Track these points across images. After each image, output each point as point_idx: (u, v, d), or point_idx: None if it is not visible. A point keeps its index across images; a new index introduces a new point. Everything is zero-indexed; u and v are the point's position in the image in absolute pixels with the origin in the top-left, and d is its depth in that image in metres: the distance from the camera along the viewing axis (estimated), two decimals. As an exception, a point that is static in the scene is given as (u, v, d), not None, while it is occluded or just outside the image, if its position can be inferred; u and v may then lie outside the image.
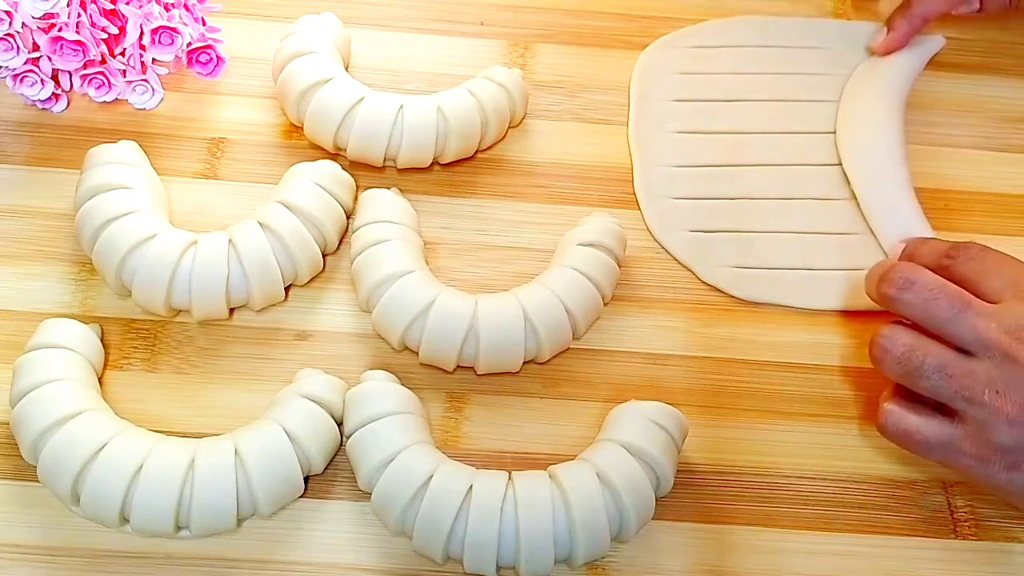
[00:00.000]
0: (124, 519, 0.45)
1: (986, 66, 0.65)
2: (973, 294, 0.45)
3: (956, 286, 0.45)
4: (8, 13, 0.54)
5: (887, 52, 0.63)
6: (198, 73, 0.60)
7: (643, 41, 0.65)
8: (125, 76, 0.59)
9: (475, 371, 0.52)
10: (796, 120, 0.62)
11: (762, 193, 0.59)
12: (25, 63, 0.56)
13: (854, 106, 0.62)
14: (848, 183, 0.59)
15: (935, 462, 0.46)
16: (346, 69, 0.60)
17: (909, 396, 0.46)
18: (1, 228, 0.55)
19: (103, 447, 0.45)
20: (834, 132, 0.61)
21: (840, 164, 0.60)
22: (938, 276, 0.46)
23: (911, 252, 0.50)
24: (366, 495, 0.47)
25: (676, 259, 0.57)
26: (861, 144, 0.60)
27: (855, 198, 0.59)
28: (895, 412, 0.46)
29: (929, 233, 0.56)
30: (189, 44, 0.58)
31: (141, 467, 0.44)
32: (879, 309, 0.47)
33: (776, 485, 0.51)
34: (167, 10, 0.58)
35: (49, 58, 0.56)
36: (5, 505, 0.47)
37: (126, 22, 0.57)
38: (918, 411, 0.45)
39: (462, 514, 0.45)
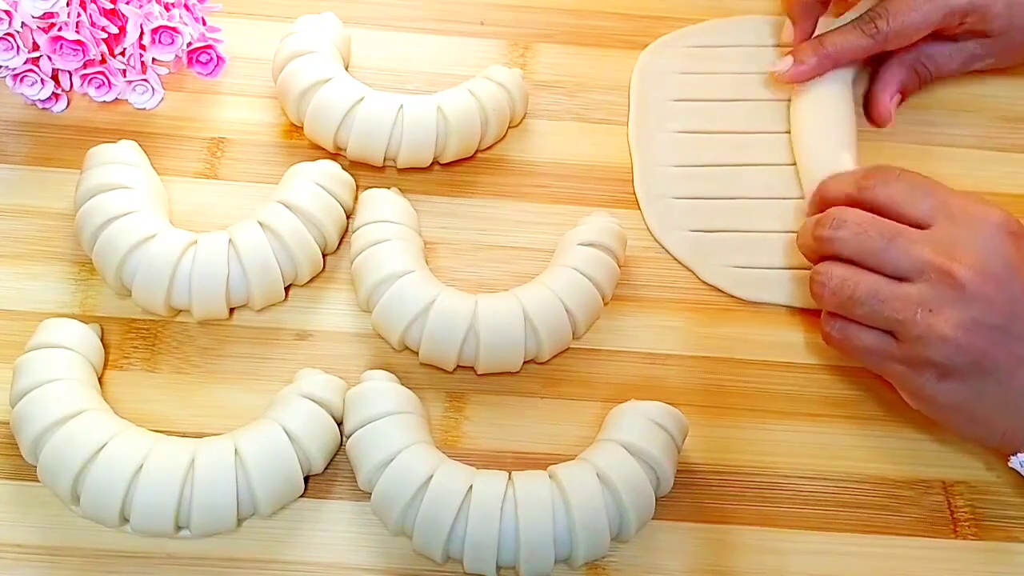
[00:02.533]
0: (124, 519, 0.45)
1: (986, 66, 0.65)
2: (899, 218, 0.47)
3: (884, 218, 0.47)
4: (8, 13, 0.54)
5: (792, 82, 0.60)
6: (198, 73, 0.60)
7: (643, 41, 0.65)
8: (125, 76, 0.59)
9: (475, 371, 0.52)
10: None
11: (762, 193, 0.59)
12: (25, 63, 0.56)
13: (800, 107, 0.61)
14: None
15: (872, 370, 0.49)
16: (346, 69, 0.60)
17: None
18: (1, 228, 0.55)
19: (103, 447, 0.45)
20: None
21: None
22: (866, 212, 0.47)
23: (824, 189, 0.51)
24: (366, 495, 0.47)
25: (676, 259, 0.57)
26: (804, 151, 0.59)
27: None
28: (838, 322, 0.48)
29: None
30: (189, 44, 0.58)
31: (141, 467, 0.44)
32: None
33: (776, 485, 0.51)
34: (167, 10, 0.58)
35: (49, 58, 0.56)
36: (5, 505, 0.47)
37: (126, 22, 0.57)
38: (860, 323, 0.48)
39: (462, 514, 0.45)
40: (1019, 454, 0.46)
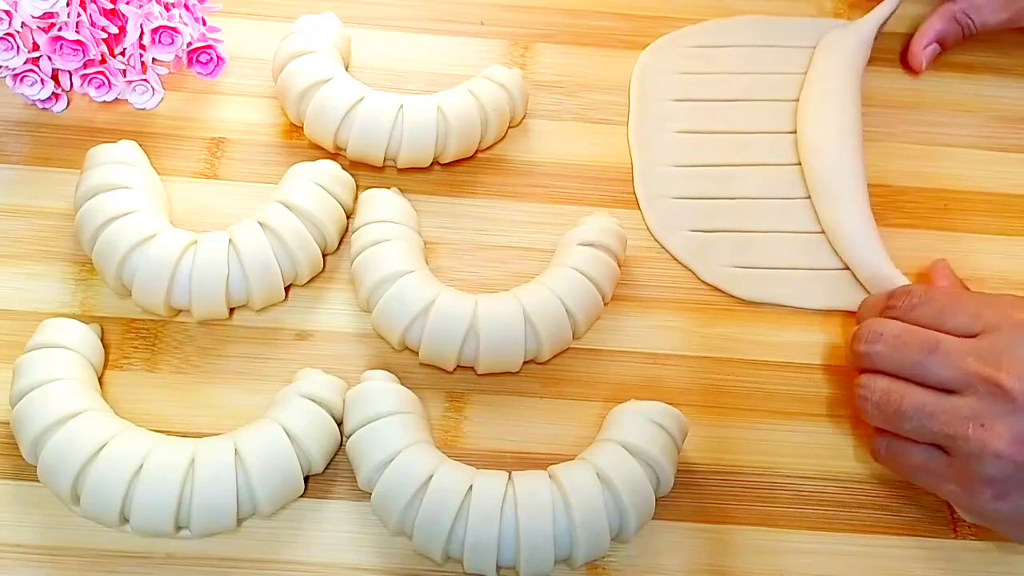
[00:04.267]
0: (124, 519, 0.45)
1: (986, 66, 0.65)
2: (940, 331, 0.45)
3: (923, 329, 0.45)
4: (8, 13, 0.54)
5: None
6: (198, 73, 0.60)
7: (643, 41, 0.65)
8: (125, 76, 0.59)
9: (475, 371, 0.52)
10: (795, 120, 0.62)
11: (762, 193, 0.59)
12: (25, 63, 0.56)
13: (805, 106, 0.62)
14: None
15: (926, 488, 0.47)
16: (346, 69, 0.60)
17: None
18: (1, 228, 0.55)
19: (103, 447, 0.45)
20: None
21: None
22: (904, 324, 0.46)
23: (860, 313, 0.51)
24: (366, 495, 0.47)
25: (676, 259, 0.57)
26: (812, 147, 0.59)
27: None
28: (886, 439, 0.47)
29: (875, 243, 0.56)
30: (189, 44, 0.58)
31: (141, 467, 0.44)
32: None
33: (776, 485, 0.51)
34: (167, 10, 0.58)
35: (49, 58, 0.56)
36: (5, 505, 0.47)
37: (126, 22, 0.57)
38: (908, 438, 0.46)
39: (462, 514, 0.45)
40: None
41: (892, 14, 0.64)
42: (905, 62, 0.64)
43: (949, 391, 0.44)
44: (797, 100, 0.63)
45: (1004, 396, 0.42)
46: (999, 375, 0.42)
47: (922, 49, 0.62)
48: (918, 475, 0.47)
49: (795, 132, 0.61)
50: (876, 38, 0.64)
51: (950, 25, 0.62)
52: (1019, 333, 0.43)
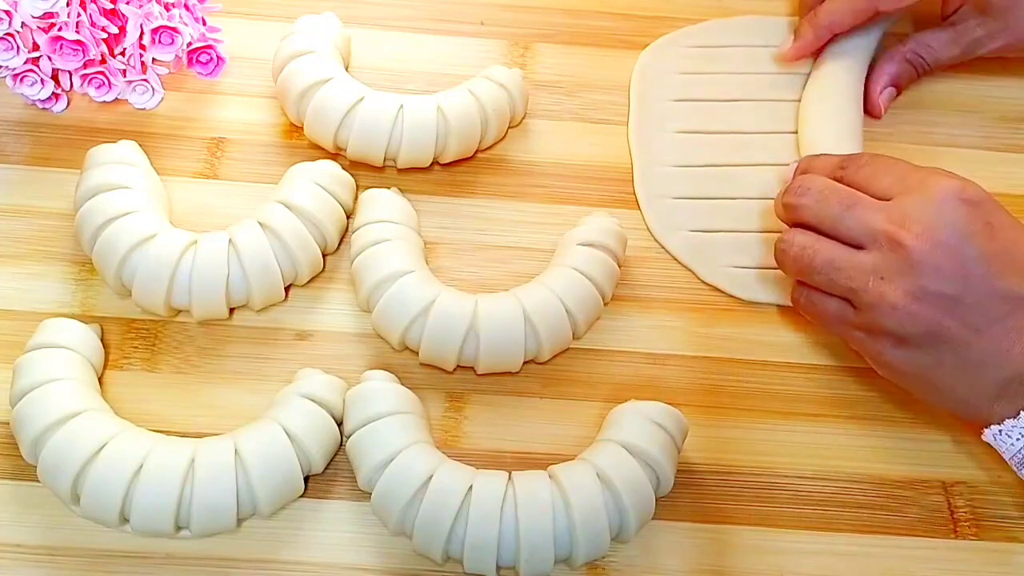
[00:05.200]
0: (124, 519, 0.45)
1: (986, 66, 0.65)
2: (864, 192, 0.48)
3: (847, 188, 0.48)
4: (8, 13, 0.54)
5: (795, 59, 0.63)
6: (198, 73, 0.60)
7: (643, 41, 0.65)
8: (125, 76, 0.59)
9: (475, 371, 0.52)
10: (795, 120, 0.62)
11: (762, 193, 0.59)
12: (25, 63, 0.56)
13: (808, 107, 0.62)
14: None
15: (837, 336, 0.51)
16: (346, 69, 0.60)
17: None
18: (1, 228, 0.55)
19: (103, 447, 0.45)
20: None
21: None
22: (832, 181, 0.49)
23: (805, 166, 0.53)
24: (366, 495, 0.47)
25: (676, 259, 0.57)
26: (818, 146, 0.59)
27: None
28: (804, 289, 0.50)
29: None
30: (189, 44, 0.58)
31: (141, 467, 0.44)
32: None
33: (776, 485, 0.51)
34: (167, 10, 0.58)
35: (49, 58, 0.56)
36: (5, 505, 0.47)
37: (126, 22, 0.57)
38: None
39: (462, 514, 0.45)
40: (992, 427, 0.46)
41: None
42: (865, 107, 0.62)
43: (858, 246, 0.47)
44: (797, 100, 0.63)
45: (903, 252, 0.45)
46: (901, 233, 0.45)
47: (878, 94, 0.62)
48: (831, 324, 0.50)
49: (795, 132, 0.62)
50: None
51: (902, 67, 0.62)
52: (929, 197, 0.46)
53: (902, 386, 0.49)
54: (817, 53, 0.63)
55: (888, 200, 0.47)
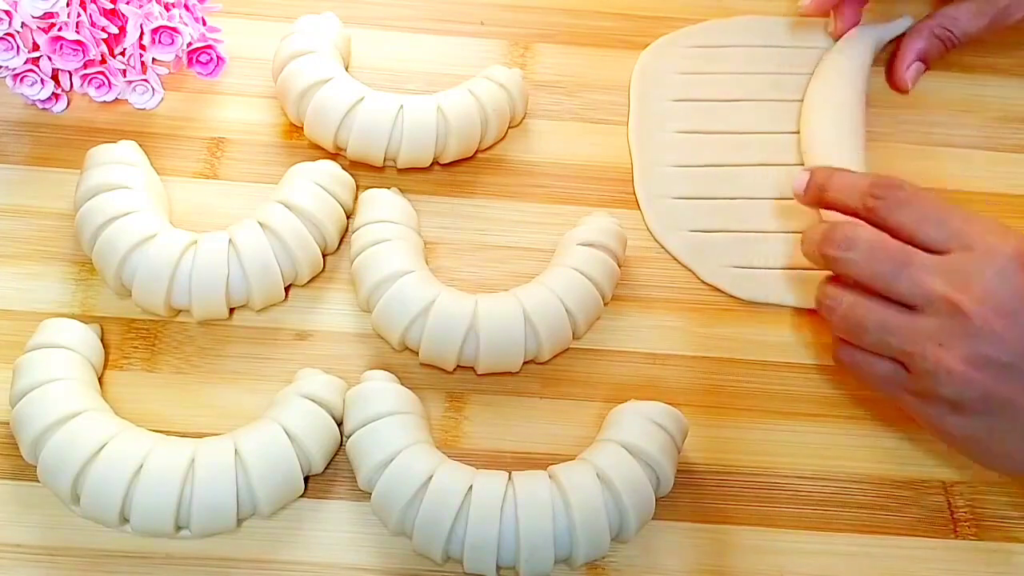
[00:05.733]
0: (124, 519, 0.45)
1: (986, 66, 0.65)
2: (911, 241, 0.45)
3: (896, 241, 0.46)
4: (8, 13, 0.54)
5: (816, 12, 0.63)
6: (198, 73, 0.60)
7: (643, 41, 0.65)
8: (125, 76, 0.59)
9: (475, 371, 0.52)
10: (796, 120, 0.62)
11: (762, 193, 0.59)
12: (25, 63, 0.56)
13: (811, 106, 0.62)
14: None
15: (886, 398, 0.48)
16: (346, 69, 0.60)
17: None
18: (1, 228, 0.55)
19: (103, 447, 0.45)
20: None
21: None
22: (878, 232, 0.46)
23: (823, 184, 0.50)
24: (366, 495, 0.47)
25: (676, 259, 0.57)
26: (816, 148, 0.59)
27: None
28: (848, 348, 0.47)
29: None
30: (189, 44, 0.58)
31: (141, 467, 0.44)
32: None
33: (776, 485, 0.51)
34: (167, 10, 0.58)
35: (49, 58, 0.56)
36: (5, 505, 0.47)
37: (126, 22, 0.57)
38: None
39: (462, 514, 0.45)
40: None
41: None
42: (892, 82, 0.63)
43: (911, 307, 0.45)
44: (797, 100, 0.63)
45: (963, 318, 0.43)
46: (961, 297, 0.43)
47: (905, 69, 0.62)
48: (880, 386, 0.47)
49: (795, 132, 0.62)
50: (884, 41, 0.64)
51: (930, 42, 0.62)
52: (989, 257, 0.44)
53: (954, 449, 0.47)
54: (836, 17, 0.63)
55: (941, 253, 0.45)
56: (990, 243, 0.44)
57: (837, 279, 0.48)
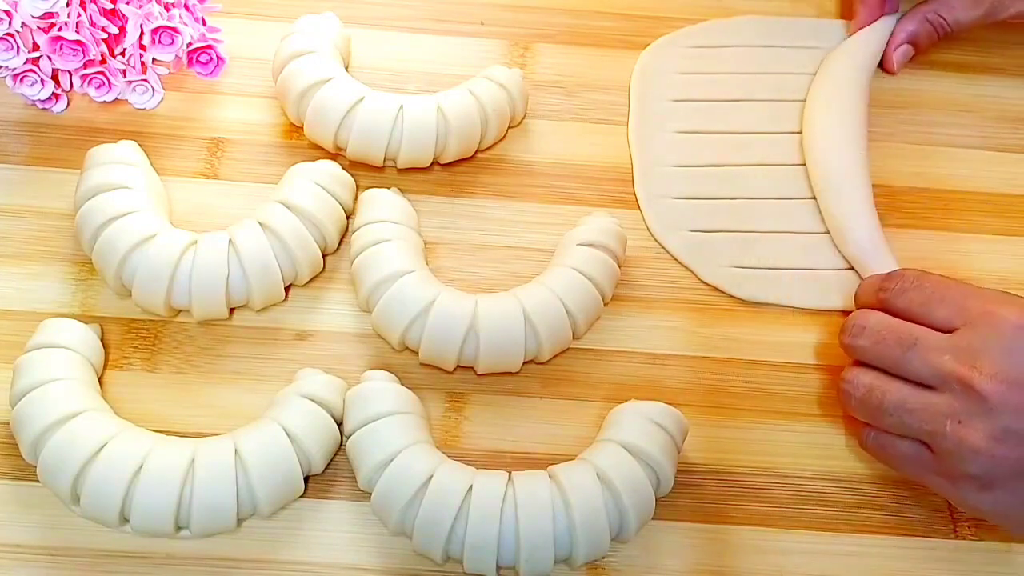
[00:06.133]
0: (124, 519, 0.45)
1: (986, 66, 0.65)
2: (920, 323, 0.45)
3: (903, 323, 0.46)
4: (8, 13, 0.54)
5: (859, 28, 0.63)
6: (198, 73, 0.60)
7: (643, 41, 0.65)
8: (125, 76, 0.59)
9: (475, 371, 0.52)
10: (796, 120, 0.62)
11: (762, 193, 0.59)
12: (25, 63, 0.56)
13: (814, 106, 0.62)
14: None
15: (911, 478, 0.48)
16: (346, 69, 0.60)
17: None
18: (1, 228, 0.55)
19: (103, 447, 0.45)
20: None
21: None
22: (887, 316, 0.46)
23: (857, 294, 0.51)
24: (366, 495, 0.47)
25: (676, 259, 0.57)
26: (819, 146, 0.59)
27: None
28: (872, 432, 0.48)
29: (880, 243, 0.56)
30: (189, 44, 0.58)
31: (141, 467, 0.44)
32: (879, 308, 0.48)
33: (776, 485, 0.51)
34: (167, 10, 0.58)
35: (49, 58, 0.56)
36: (5, 505, 0.47)
37: (126, 22, 0.57)
38: None
39: (462, 514, 0.45)
40: None
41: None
42: (881, 64, 0.64)
43: (928, 386, 0.44)
44: (797, 100, 0.63)
45: (977, 396, 0.43)
46: (972, 375, 0.43)
47: (893, 51, 0.62)
48: (905, 467, 0.47)
49: (795, 132, 0.61)
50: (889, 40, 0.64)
51: (922, 26, 0.62)
52: (995, 331, 0.43)
53: (987, 520, 0.48)
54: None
55: (949, 331, 0.45)
56: (994, 315, 0.44)
57: (857, 364, 0.48)
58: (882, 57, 0.63)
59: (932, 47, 0.63)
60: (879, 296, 0.48)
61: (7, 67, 0.56)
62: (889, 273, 0.49)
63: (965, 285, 0.47)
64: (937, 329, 0.45)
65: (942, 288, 0.46)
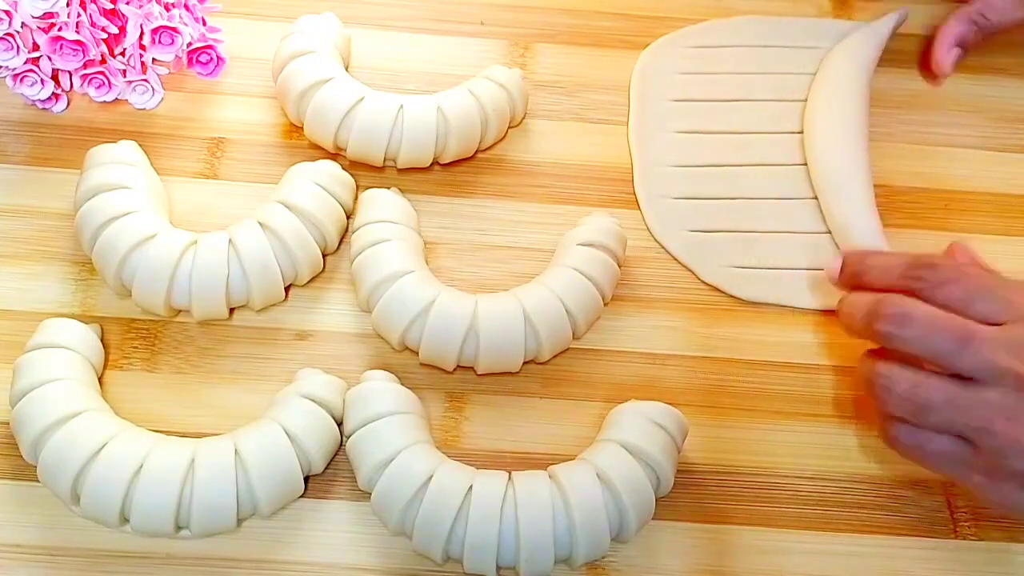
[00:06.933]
0: (124, 519, 0.45)
1: (986, 66, 0.65)
2: (963, 316, 0.44)
3: (955, 316, 0.44)
4: (8, 13, 0.54)
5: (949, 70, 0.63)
6: (198, 73, 0.60)
7: (643, 41, 0.65)
8: (125, 76, 0.59)
9: (475, 371, 0.52)
10: (796, 120, 0.62)
11: (762, 193, 0.59)
12: (25, 63, 0.56)
13: (816, 106, 0.62)
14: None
15: (944, 477, 0.46)
16: (346, 69, 0.60)
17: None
18: (1, 228, 0.55)
19: (103, 447, 0.45)
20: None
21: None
22: (933, 308, 0.44)
23: (858, 269, 0.48)
24: (366, 495, 0.47)
25: (676, 259, 0.57)
26: (820, 146, 0.59)
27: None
28: (905, 427, 0.45)
29: (881, 242, 0.55)
30: (189, 44, 0.58)
31: (141, 467, 0.44)
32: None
33: (776, 485, 0.51)
34: (167, 10, 0.58)
35: (49, 58, 0.56)
36: (5, 505, 0.47)
37: (126, 22, 0.57)
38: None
39: (462, 514, 0.45)
40: None
41: (905, 19, 0.65)
42: (927, 68, 0.63)
43: (970, 380, 0.43)
44: (797, 100, 0.63)
45: None
46: None
47: (945, 53, 0.62)
48: (941, 464, 0.45)
49: (795, 132, 0.62)
50: (888, 38, 0.64)
51: (968, 27, 0.62)
52: None
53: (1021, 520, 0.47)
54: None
55: (996, 324, 0.43)
56: None
57: (881, 353, 0.46)
58: (932, 60, 0.63)
59: (976, 48, 0.63)
60: (909, 283, 0.46)
61: (7, 67, 0.56)
62: (918, 259, 0.46)
63: (1005, 278, 0.46)
64: (980, 323, 0.44)
65: (985, 282, 0.45)
